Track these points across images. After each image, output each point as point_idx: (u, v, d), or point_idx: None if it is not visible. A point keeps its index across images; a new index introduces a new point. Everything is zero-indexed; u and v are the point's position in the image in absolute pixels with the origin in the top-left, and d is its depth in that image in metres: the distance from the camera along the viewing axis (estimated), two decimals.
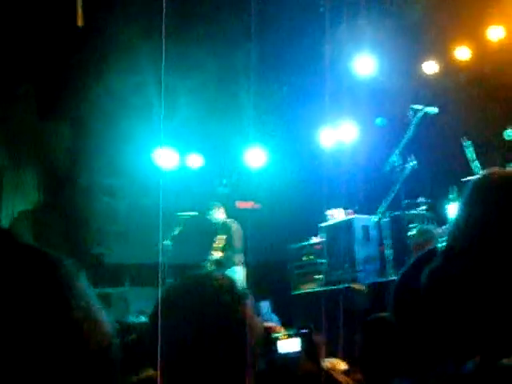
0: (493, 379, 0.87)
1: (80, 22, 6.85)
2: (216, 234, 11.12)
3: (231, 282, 1.96)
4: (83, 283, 0.99)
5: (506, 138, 8.17)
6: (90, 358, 0.91)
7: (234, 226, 11.01)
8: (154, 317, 1.90)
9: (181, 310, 1.85)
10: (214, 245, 10.94)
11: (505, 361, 0.98)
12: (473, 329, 1.15)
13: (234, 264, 10.70)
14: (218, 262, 10.77)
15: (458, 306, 1.27)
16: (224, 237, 10.97)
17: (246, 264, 10.87)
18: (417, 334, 1.51)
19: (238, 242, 10.85)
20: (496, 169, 1.47)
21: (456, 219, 1.43)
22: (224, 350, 1.83)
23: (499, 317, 1.19)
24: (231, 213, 12.54)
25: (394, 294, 1.78)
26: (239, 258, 10.87)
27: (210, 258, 10.83)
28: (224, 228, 11.05)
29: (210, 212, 11.15)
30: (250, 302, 1.94)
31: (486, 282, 1.25)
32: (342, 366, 3.89)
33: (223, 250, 10.88)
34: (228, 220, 11.13)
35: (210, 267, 10.83)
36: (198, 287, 1.92)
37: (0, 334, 0.84)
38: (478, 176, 1.48)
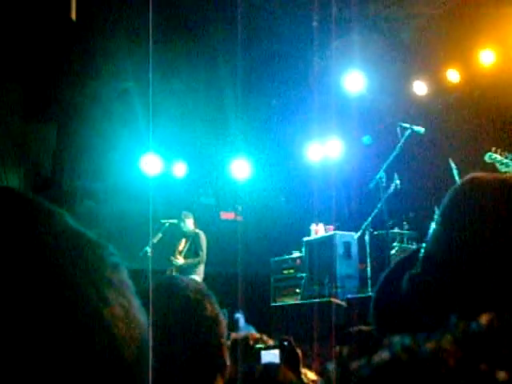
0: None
1: (74, 15, 6.81)
2: (186, 242, 11.17)
3: (197, 282, 2.01)
4: (125, 274, 0.80)
5: (487, 159, 8.15)
6: (122, 373, 0.72)
7: (203, 237, 11.07)
8: None
9: (150, 310, 1.84)
10: (176, 249, 11.03)
11: None
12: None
13: (195, 273, 10.73)
14: (180, 269, 10.83)
15: (435, 314, 1.26)
16: (187, 242, 11.06)
17: (205, 276, 10.91)
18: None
19: (203, 254, 10.92)
20: (478, 174, 1.44)
21: (435, 226, 1.41)
22: (194, 345, 1.84)
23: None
24: (215, 223, 12.54)
25: (376, 295, 1.77)
26: (201, 268, 10.93)
27: (173, 263, 10.90)
28: (194, 238, 11.09)
29: (182, 221, 11.18)
30: (214, 300, 1.95)
31: (465, 293, 1.25)
32: (312, 376, 3.87)
33: (186, 256, 10.96)
34: (198, 230, 11.17)
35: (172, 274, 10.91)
36: (166, 286, 1.94)
37: None
38: (458, 183, 1.45)
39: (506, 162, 7.91)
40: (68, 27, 8.00)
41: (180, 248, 11.08)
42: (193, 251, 11.03)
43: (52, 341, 0.68)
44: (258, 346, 2.67)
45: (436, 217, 1.41)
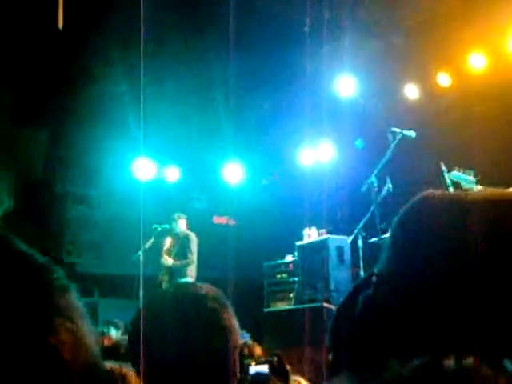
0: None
1: (60, 24, 6.79)
2: (177, 243, 11.16)
3: (215, 291, 2.01)
4: (74, 298, 0.81)
5: (453, 179, 8.10)
6: None
7: (194, 238, 11.07)
8: (137, 323, 1.89)
9: (167, 316, 1.85)
10: (162, 248, 11.02)
11: (448, 364, 0.90)
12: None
13: (186, 275, 10.73)
14: (171, 271, 10.82)
15: (385, 334, 1.24)
16: (176, 243, 11.06)
17: (198, 280, 10.89)
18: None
19: (193, 255, 10.92)
20: (430, 192, 1.39)
21: (386, 245, 1.38)
22: (209, 354, 1.84)
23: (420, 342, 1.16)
24: (207, 228, 12.53)
25: (336, 312, 1.75)
26: (191, 269, 10.93)
27: (162, 263, 10.89)
28: (184, 239, 11.09)
29: (174, 221, 11.17)
30: (231, 310, 1.98)
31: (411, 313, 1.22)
32: None
33: (176, 258, 10.95)
34: (188, 232, 11.17)
35: (163, 276, 10.87)
36: (184, 294, 1.96)
37: None
38: (412, 200, 1.40)
39: (468, 179, 7.93)
40: (55, 36, 7.98)
41: (165, 248, 11.06)
42: (181, 253, 11.03)
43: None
44: (247, 360, 2.66)
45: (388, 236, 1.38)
